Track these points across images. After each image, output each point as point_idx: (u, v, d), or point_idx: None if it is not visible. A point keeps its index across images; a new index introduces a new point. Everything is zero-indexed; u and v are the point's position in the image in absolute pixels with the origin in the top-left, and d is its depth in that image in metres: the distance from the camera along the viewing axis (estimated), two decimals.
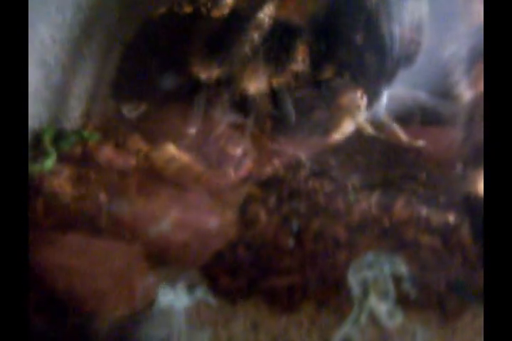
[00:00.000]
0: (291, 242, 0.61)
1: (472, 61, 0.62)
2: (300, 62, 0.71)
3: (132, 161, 0.69)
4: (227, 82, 0.72)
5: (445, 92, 0.68)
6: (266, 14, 0.69)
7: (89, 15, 0.70)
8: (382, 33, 0.70)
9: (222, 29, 0.73)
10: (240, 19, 0.72)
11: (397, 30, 0.70)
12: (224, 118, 0.75)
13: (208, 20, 0.78)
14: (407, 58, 0.72)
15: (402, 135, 0.82)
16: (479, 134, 0.60)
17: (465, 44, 0.62)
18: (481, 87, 0.61)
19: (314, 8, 0.69)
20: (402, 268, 0.58)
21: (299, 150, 0.79)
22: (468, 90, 0.62)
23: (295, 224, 0.61)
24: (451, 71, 0.63)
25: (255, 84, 0.68)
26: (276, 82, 0.70)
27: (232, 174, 0.70)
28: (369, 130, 0.80)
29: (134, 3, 0.77)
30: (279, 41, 0.68)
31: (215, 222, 0.60)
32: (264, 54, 0.68)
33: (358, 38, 0.71)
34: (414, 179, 0.73)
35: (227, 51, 0.71)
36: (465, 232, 0.61)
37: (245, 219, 0.61)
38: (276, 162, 0.75)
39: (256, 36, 0.69)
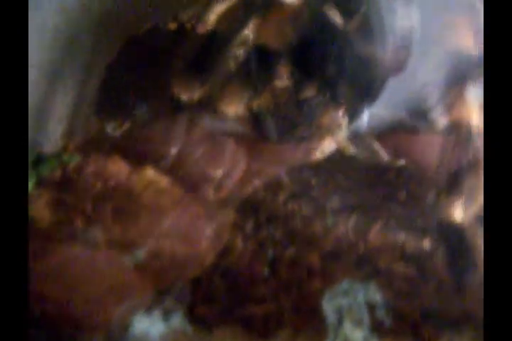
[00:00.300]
0: (266, 270, 0.61)
1: (448, 87, 0.62)
2: (280, 82, 0.71)
3: (112, 184, 0.69)
4: (207, 104, 0.72)
5: (422, 116, 0.68)
6: (245, 37, 0.69)
7: (69, 35, 0.70)
8: (361, 55, 0.70)
9: (203, 50, 0.73)
10: (219, 41, 0.72)
11: (378, 51, 0.70)
12: (205, 139, 0.75)
13: (192, 38, 0.78)
14: (391, 76, 0.72)
15: (383, 154, 0.82)
16: (453, 162, 0.60)
17: (441, 69, 0.63)
18: (455, 115, 0.61)
19: (292, 33, 0.69)
20: (377, 296, 0.59)
21: (280, 169, 0.79)
22: (443, 117, 0.62)
23: (270, 252, 0.62)
24: (427, 96, 0.64)
25: (233, 107, 0.69)
26: (256, 104, 0.71)
27: (211, 196, 0.70)
28: (350, 149, 0.80)
29: (115, 22, 0.77)
30: (258, 65, 0.68)
31: (191, 249, 0.61)
32: (242, 77, 0.68)
33: (337, 60, 0.71)
34: (394, 200, 0.74)
35: (207, 73, 0.71)
36: (440, 259, 0.61)
37: (221, 246, 0.61)
38: (257, 182, 0.75)
39: (234, 59, 0.69)
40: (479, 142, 0.60)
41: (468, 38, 0.65)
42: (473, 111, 0.61)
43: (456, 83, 0.61)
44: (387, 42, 0.68)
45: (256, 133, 0.76)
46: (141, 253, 0.59)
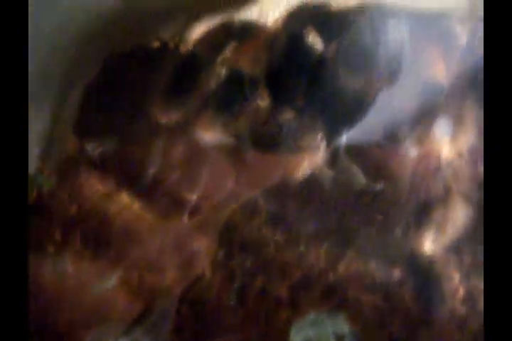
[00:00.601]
0: (234, 300, 0.61)
1: (419, 118, 0.62)
2: (261, 103, 0.71)
3: (86, 208, 0.70)
4: (184, 128, 0.73)
5: (396, 144, 0.68)
6: (222, 61, 0.70)
7: (45, 56, 0.70)
8: (339, 81, 0.70)
9: (182, 72, 0.74)
10: (198, 63, 0.72)
11: (358, 78, 0.70)
12: (181, 163, 0.75)
13: (174, 57, 0.78)
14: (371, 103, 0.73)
15: (362, 177, 0.82)
16: (422, 193, 0.60)
17: (413, 100, 0.63)
18: (425, 147, 0.62)
19: (268, 58, 0.69)
20: (344, 327, 0.59)
21: (256, 192, 0.79)
22: (414, 148, 0.62)
23: (239, 282, 0.62)
24: (400, 125, 0.64)
25: (210, 133, 0.69)
26: (234, 130, 0.71)
27: (186, 221, 0.70)
28: (328, 173, 0.81)
29: (92, 43, 0.78)
30: (234, 89, 0.68)
31: (158, 279, 0.61)
32: (218, 102, 0.68)
33: (315, 85, 0.71)
34: (370, 225, 0.74)
35: (185, 96, 0.71)
36: (408, 290, 0.61)
37: (191, 275, 0.61)
38: (233, 206, 0.75)
39: (211, 83, 0.70)
40: (449, 173, 0.61)
41: (440, 69, 0.66)
42: (444, 143, 0.61)
43: (427, 114, 0.61)
44: (369, 69, 0.68)
45: (233, 157, 0.77)
46: (110, 282, 0.59)
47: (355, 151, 0.80)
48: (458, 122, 0.62)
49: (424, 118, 0.62)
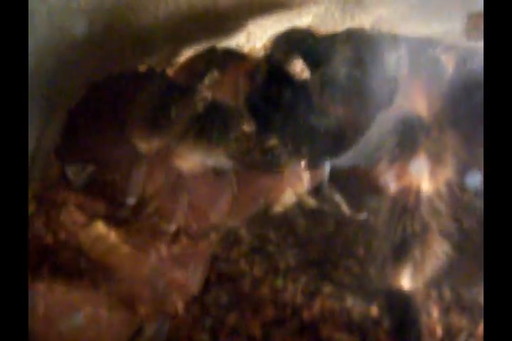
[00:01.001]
0: (205, 338, 0.60)
1: (398, 153, 0.61)
2: (246, 128, 0.70)
3: (62, 236, 0.69)
4: (164, 156, 0.72)
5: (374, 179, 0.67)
6: (202, 91, 0.69)
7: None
8: (322, 110, 0.70)
9: (162, 100, 0.73)
10: (178, 92, 0.72)
11: (341, 106, 0.69)
12: (160, 192, 0.74)
13: (156, 81, 0.78)
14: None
15: (345, 207, 0.81)
16: (399, 229, 0.59)
17: (392, 134, 0.62)
18: (404, 182, 0.61)
19: (250, 88, 0.68)
20: None
21: (238, 222, 0.78)
22: (393, 182, 0.61)
23: (211, 319, 0.61)
24: (379, 159, 0.63)
25: (188, 163, 0.68)
26: (215, 158, 0.70)
27: (164, 253, 0.69)
28: (310, 203, 0.80)
29: (76, 68, 0.77)
30: (214, 120, 0.68)
31: (128, 316, 0.59)
32: (197, 131, 0.68)
33: (298, 114, 0.71)
34: (351, 256, 0.73)
35: (166, 124, 0.70)
36: (385, 328, 0.60)
37: (162, 313, 0.60)
38: (213, 236, 0.74)
39: (191, 113, 0.69)
40: (427, 210, 0.60)
41: (420, 102, 0.65)
42: (423, 178, 0.60)
43: (406, 148, 0.61)
44: (354, 98, 0.67)
45: (215, 186, 0.76)
46: (79, 318, 0.58)
47: (338, 181, 0.79)
48: (436, 158, 0.61)
49: (403, 153, 0.61)
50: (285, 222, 0.77)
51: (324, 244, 0.75)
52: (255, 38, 0.83)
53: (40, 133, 0.76)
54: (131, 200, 0.74)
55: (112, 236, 0.68)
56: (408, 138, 0.62)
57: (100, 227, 0.68)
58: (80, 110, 0.78)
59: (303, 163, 0.75)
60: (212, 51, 0.74)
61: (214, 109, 0.67)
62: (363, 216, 0.77)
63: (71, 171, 0.79)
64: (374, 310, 0.63)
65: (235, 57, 0.74)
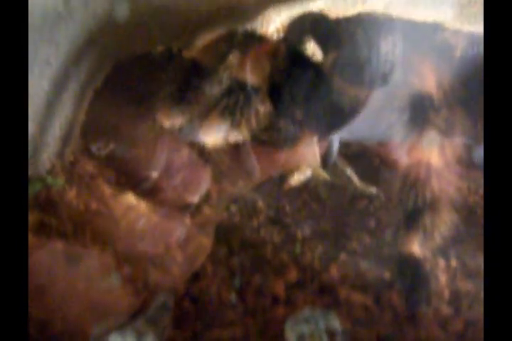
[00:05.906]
0: (233, 297, 0.65)
1: (409, 128, 0.66)
2: (262, 109, 0.75)
3: (93, 207, 0.73)
4: (188, 132, 0.76)
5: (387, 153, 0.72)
6: (225, 70, 0.73)
7: (59, 69, 0.73)
8: (333, 89, 0.74)
9: (186, 78, 0.77)
10: (202, 71, 0.75)
11: (354, 86, 0.73)
12: (184, 166, 0.79)
13: (178, 62, 0.82)
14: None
15: (356, 180, 0.86)
16: (411, 200, 0.64)
17: (403, 110, 0.66)
18: (415, 155, 0.65)
19: (270, 68, 0.72)
20: (336, 324, 0.63)
21: (257, 194, 0.83)
22: (404, 156, 0.66)
23: (238, 279, 0.66)
24: (391, 135, 0.68)
25: (212, 138, 0.72)
26: (237, 135, 0.74)
27: (188, 222, 0.74)
28: (324, 176, 0.84)
29: (104, 49, 0.81)
30: (236, 97, 0.72)
31: (163, 275, 0.65)
32: (221, 108, 0.72)
33: (313, 94, 0.75)
34: (363, 228, 0.78)
35: (189, 102, 0.74)
36: (397, 290, 0.65)
37: (193, 272, 0.65)
38: (234, 207, 0.79)
39: (215, 91, 0.73)
40: (437, 182, 0.64)
41: (430, 81, 0.69)
42: (433, 153, 0.65)
43: (416, 125, 0.65)
44: (365, 78, 0.71)
45: (235, 164, 0.80)
46: (117, 277, 0.63)
47: (351, 156, 0.84)
48: (445, 134, 0.66)
49: (414, 129, 0.65)
50: (300, 195, 0.82)
51: (337, 216, 0.79)
52: (271, 21, 0.87)
53: (73, 115, 0.80)
54: (155, 174, 0.78)
55: (142, 205, 0.72)
56: (419, 115, 0.66)
57: (131, 197, 0.73)
58: (104, 88, 0.82)
59: (315, 139, 0.79)
60: (233, 34, 0.77)
61: (237, 87, 0.71)
62: (373, 189, 0.81)
63: (95, 147, 0.83)
64: (387, 274, 0.68)
65: (255, 39, 0.78)
